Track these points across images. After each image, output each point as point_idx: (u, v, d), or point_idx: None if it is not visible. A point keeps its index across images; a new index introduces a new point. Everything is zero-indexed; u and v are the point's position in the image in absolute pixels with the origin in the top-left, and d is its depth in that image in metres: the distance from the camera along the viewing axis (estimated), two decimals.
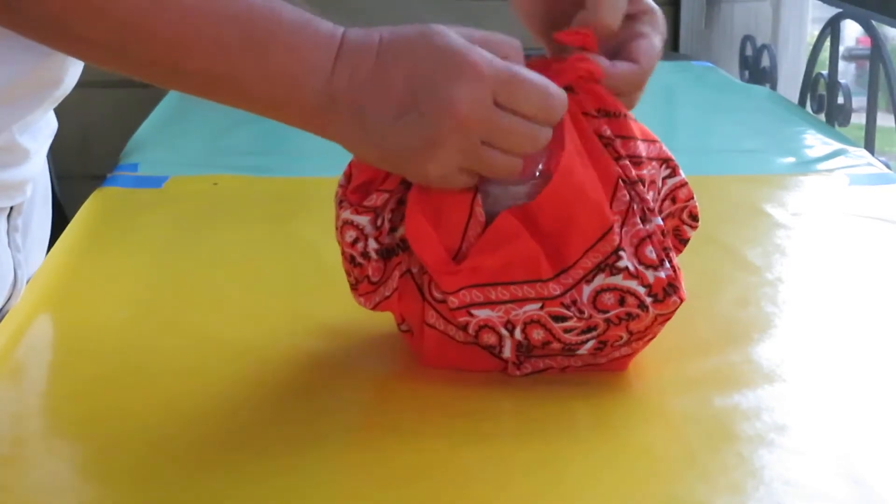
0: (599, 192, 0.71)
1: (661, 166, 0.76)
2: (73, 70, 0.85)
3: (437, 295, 0.73)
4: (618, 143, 0.73)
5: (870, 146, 1.78)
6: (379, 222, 0.73)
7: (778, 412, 0.71)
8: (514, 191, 0.72)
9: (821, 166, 1.28)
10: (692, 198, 0.78)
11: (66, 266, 0.94)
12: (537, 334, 0.72)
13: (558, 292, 0.71)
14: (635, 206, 0.72)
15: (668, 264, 0.71)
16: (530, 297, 0.71)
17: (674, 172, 0.77)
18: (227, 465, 0.65)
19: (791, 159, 1.31)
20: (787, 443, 0.67)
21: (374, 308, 0.77)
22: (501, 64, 0.67)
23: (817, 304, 0.88)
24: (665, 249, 0.72)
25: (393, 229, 0.74)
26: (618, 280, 0.71)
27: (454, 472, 0.64)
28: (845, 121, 1.85)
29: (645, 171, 0.74)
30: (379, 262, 0.75)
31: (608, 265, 0.71)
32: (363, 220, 0.73)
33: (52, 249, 0.97)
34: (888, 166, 1.30)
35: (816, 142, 1.38)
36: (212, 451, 0.67)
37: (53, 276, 0.92)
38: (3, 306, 0.86)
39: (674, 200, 0.77)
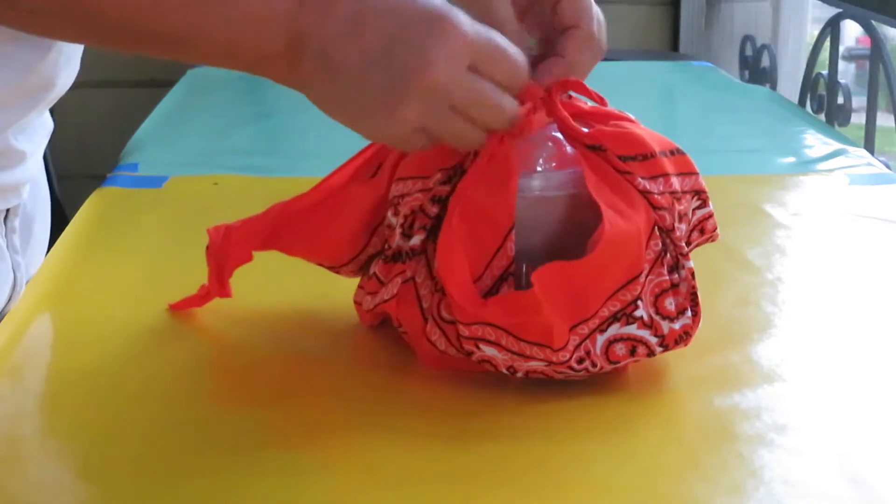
0: (639, 244, 0.71)
1: (692, 198, 0.76)
2: (67, 73, 0.85)
3: (447, 315, 0.73)
4: (655, 193, 0.72)
5: (870, 146, 1.79)
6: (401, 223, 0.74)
7: (778, 412, 0.70)
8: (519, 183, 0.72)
9: (821, 166, 1.28)
10: (716, 228, 0.78)
11: (65, 266, 0.94)
12: (537, 377, 0.72)
13: (567, 357, 0.70)
14: (668, 255, 0.72)
15: (689, 312, 0.72)
16: (538, 358, 0.70)
17: (703, 204, 0.77)
18: (225, 465, 0.65)
19: (791, 159, 1.31)
20: (787, 443, 0.67)
21: (373, 309, 0.77)
22: (481, 28, 0.67)
23: (817, 304, 0.88)
24: (693, 294, 0.73)
25: (406, 235, 0.74)
26: (632, 329, 0.71)
27: (453, 472, 0.64)
28: (845, 121, 1.85)
29: (682, 206, 0.74)
30: (385, 265, 0.75)
31: (625, 314, 0.71)
32: (394, 220, 0.74)
33: (52, 249, 0.97)
34: (888, 166, 1.30)
35: (816, 142, 1.38)
36: (210, 450, 0.67)
37: (53, 276, 0.92)
38: (3, 308, 0.86)
39: (702, 231, 0.78)
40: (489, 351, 0.71)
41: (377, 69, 0.65)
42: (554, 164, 0.74)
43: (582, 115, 0.75)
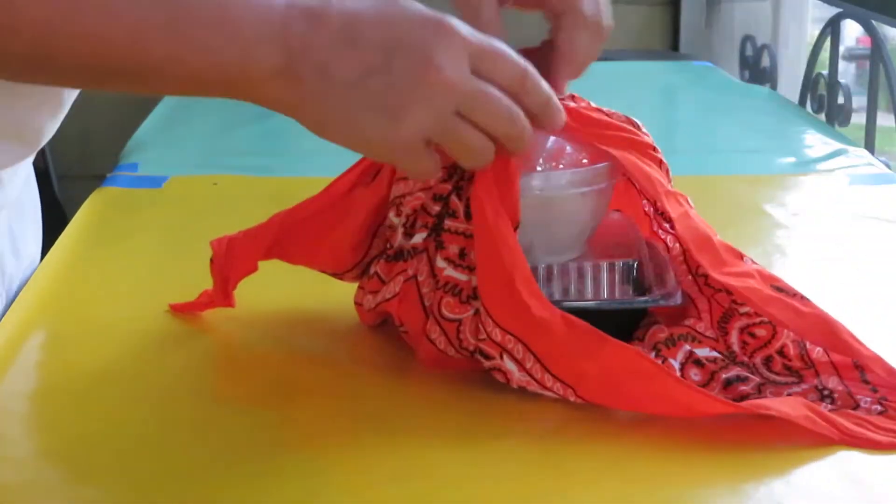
0: None
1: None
2: (53, 124, 0.82)
3: (447, 314, 0.73)
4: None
5: (870, 146, 1.79)
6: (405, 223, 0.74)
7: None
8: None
9: (821, 166, 1.28)
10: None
11: (65, 266, 0.94)
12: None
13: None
14: None
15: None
16: (557, 393, 0.70)
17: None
18: (225, 465, 0.65)
19: (791, 159, 1.31)
20: (787, 443, 0.67)
21: (375, 308, 0.77)
22: (479, 34, 0.64)
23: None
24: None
25: (408, 235, 0.74)
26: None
27: (453, 472, 0.64)
28: (845, 121, 1.85)
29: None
30: (387, 264, 0.76)
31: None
32: (396, 220, 0.75)
33: (52, 249, 0.97)
34: (888, 166, 1.30)
35: (816, 142, 1.38)
36: (210, 450, 0.67)
37: (53, 275, 0.92)
38: None
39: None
40: (510, 365, 0.70)
41: (378, 76, 0.63)
42: (554, 164, 0.74)
43: (590, 125, 0.75)
